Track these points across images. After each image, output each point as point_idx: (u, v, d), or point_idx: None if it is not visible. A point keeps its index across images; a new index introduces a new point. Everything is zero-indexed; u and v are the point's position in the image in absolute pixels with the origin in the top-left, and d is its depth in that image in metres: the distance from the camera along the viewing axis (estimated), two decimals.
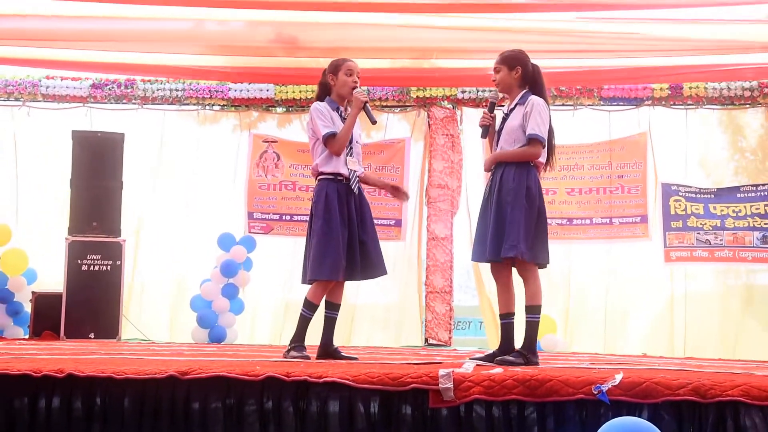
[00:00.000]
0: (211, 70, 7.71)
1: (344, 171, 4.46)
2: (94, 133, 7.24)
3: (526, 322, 4.17)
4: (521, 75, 4.26)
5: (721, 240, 7.33)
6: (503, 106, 4.43)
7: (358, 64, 4.60)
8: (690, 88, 7.52)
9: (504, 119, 4.30)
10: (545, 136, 4.17)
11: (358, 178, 4.52)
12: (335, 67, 4.53)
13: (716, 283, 7.58)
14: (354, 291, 7.42)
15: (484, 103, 7.68)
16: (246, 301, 7.43)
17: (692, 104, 7.63)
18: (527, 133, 4.15)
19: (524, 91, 4.27)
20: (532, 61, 4.33)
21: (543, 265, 4.26)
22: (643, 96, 7.63)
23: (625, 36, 6.69)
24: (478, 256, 4.30)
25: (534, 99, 4.20)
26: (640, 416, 3.07)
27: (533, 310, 4.16)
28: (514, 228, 4.07)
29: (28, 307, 7.00)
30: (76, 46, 7.24)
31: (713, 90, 7.51)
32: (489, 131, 4.37)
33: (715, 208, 7.36)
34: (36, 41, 7.05)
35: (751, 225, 7.30)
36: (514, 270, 4.30)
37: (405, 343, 7.54)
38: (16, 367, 3.35)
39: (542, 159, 4.23)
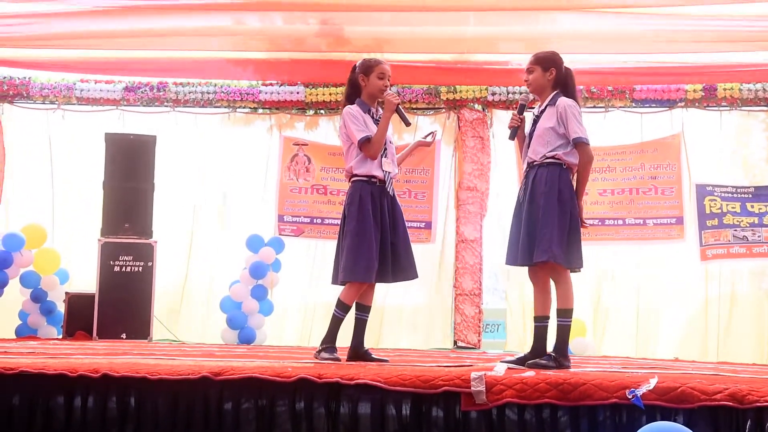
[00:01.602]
0: (247, 61, 7.70)
1: (379, 173, 4.45)
2: (126, 135, 7.32)
3: (558, 325, 4.14)
4: (554, 77, 4.25)
5: (759, 236, 7.15)
6: (533, 108, 4.42)
7: (389, 58, 4.56)
8: (724, 89, 7.40)
9: (534, 121, 4.29)
10: (587, 135, 4.18)
11: (392, 180, 4.52)
12: (367, 68, 4.48)
13: (751, 285, 7.42)
14: (383, 293, 7.41)
15: (514, 105, 7.65)
16: (275, 303, 7.47)
17: (726, 106, 7.52)
18: (572, 139, 4.14)
19: (555, 92, 4.26)
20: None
21: (576, 270, 4.24)
22: (676, 98, 7.52)
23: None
24: (511, 260, 4.28)
25: (564, 101, 4.19)
26: (674, 422, 3.03)
27: (565, 314, 4.14)
28: (547, 232, 4.05)
29: (61, 307, 7.10)
30: (108, 45, 7.31)
31: (748, 91, 7.39)
32: (517, 133, 4.36)
33: (752, 207, 7.19)
34: (70, 41, 7.13)
35: None
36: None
37: (433, 345, 7.51)
38: (52, 366, 3.40)
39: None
